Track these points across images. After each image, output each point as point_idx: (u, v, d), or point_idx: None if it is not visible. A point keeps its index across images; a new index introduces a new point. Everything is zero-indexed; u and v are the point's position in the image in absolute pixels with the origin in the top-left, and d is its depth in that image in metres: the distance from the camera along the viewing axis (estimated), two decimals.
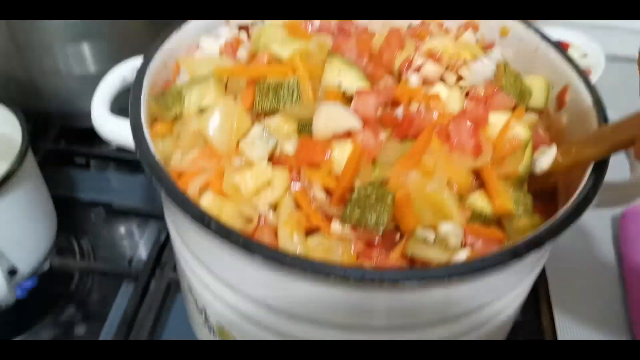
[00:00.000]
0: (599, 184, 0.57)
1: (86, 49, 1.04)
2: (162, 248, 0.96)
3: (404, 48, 0.70)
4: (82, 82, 1.06)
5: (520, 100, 0.69)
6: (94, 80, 0.69)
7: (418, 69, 0.66)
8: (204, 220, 0.51)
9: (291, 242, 0.54)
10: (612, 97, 1.33)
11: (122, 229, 1.07)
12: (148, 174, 0.55)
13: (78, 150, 1.15)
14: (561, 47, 0.75)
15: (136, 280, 0.91)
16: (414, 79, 0.66)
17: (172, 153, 0.63)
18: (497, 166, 0.61)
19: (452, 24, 0.82)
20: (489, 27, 0.82)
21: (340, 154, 0.57)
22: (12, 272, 0.83)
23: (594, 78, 1.33)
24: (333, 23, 0.76)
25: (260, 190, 0.58)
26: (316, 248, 0.55)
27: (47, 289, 0.94)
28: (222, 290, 0.59)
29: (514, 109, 0.68)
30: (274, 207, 0.58)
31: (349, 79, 0.62)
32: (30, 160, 0.84)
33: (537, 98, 0.72)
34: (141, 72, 0.63)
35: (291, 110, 0.61)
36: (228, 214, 0.58)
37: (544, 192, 0.65)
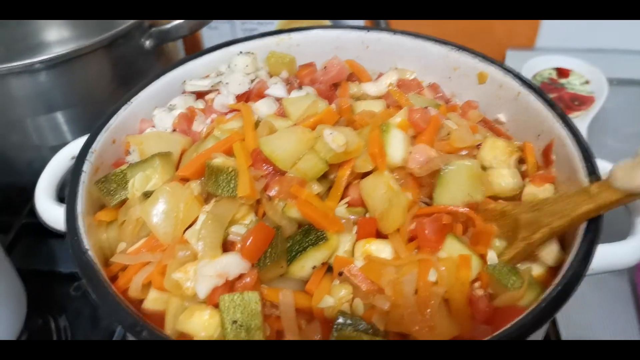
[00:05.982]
0: (590, 254, 0.51)
1: (60, 119, 1.01)
2: None
3: None
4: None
5: None
6: None
7: None
8: (135, 329, 0.45)
9: None
10: (617, 122, 1.20)
11: None
12: (79, 275, 0.50)
13: None
14: (543, 93, 0.69)
15: None
16: None
17: (118, 242, 0.58)
18: None
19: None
20: (466, 74, 0.76)
21: None
22: None
23: (597, 104, 1.26)
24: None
25: None
26: None
27: None
28: None
29: None
30: None
31: None
32: None
33: None
34: (80, 159, 0.58)
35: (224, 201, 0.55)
36: (175, 311, 0.52)
37: None
